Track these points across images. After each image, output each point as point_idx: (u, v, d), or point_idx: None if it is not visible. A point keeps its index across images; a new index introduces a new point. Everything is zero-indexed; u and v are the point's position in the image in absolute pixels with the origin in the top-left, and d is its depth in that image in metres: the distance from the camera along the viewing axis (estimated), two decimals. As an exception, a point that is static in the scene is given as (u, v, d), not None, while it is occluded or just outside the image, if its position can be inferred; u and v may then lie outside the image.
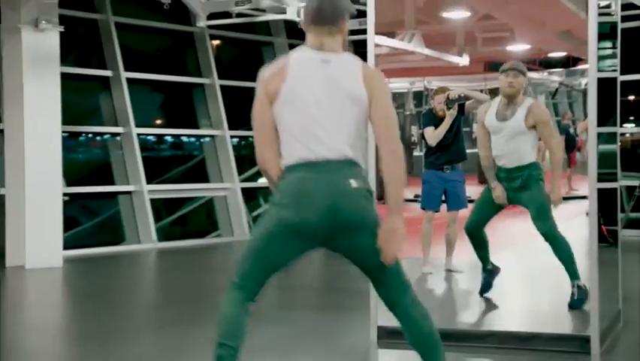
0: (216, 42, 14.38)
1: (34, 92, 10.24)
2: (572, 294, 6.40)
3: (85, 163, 14.02)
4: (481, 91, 9.91)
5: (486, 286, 7.07)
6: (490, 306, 7.16)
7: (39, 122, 10.27)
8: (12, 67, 10.31)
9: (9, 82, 10.39)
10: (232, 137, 14.08)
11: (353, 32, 5.13)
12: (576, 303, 6.37)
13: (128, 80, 12.75)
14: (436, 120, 8.69)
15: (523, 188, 6.63)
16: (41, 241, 10.26)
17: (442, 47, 12.57)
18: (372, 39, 6.27)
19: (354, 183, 3.81)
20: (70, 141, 13.23)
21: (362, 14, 5.98)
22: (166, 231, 13.52)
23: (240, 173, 14.08)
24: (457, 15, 11.79)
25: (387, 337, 6.04)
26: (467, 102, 9.07)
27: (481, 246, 7.05)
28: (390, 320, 6.15)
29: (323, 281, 10.31)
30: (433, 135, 8.59)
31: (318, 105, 3.86)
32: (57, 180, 10.49)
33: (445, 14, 11.84)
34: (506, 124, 6.65)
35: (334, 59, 3.92)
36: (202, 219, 14.37)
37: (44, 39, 10.26)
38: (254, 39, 14.81)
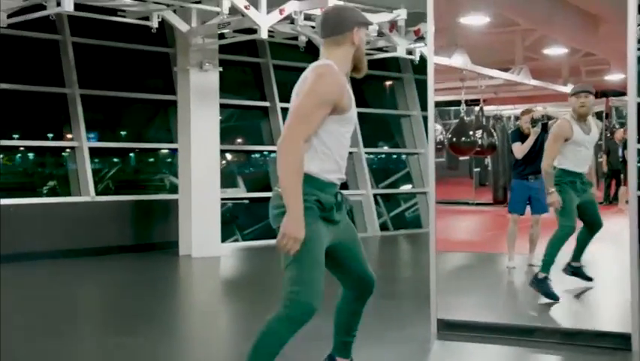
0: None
1: (199, 118, 9.91)
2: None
3: (262, 174, 13.64)
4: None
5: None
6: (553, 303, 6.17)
7: (202, 143, 9.93)
8: (183, 99, 10.03)
9: (181, 111, 10.11)
10: (366, 153, 13.33)
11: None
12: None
13: (282, 109, 12.26)
14: (522, 137, 8.03)
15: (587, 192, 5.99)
16: (204, 235, 9.90)
17: (550, 78, 11.76)
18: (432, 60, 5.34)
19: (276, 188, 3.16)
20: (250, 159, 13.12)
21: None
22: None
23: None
24: (555, 52, 11.06)
25: (447, 329, 5.18)
26: (550, 121, 8.41)
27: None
28: (450, 314, 5.39)
29: (383, 270, 9.33)
30: (520, 150, 8.09)
31: None
32: (216, 186, 10.10)
33: (546, 51, 11.10)
34: (589, 137, 6.01)
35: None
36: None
37: (207, 77, 9.92)
38: (389, 75, 14.02)
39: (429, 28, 5.30)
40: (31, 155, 11.21)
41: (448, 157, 16.82)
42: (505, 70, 10.98)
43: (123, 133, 11.76)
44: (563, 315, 5.80)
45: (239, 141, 12.90)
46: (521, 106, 10.69)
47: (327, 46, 3.27)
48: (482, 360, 4.86)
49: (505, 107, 13.20)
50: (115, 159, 11.67)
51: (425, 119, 10.69)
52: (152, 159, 12.44)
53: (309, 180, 3.09)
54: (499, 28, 10.39)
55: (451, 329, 5.18)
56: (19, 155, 11.14)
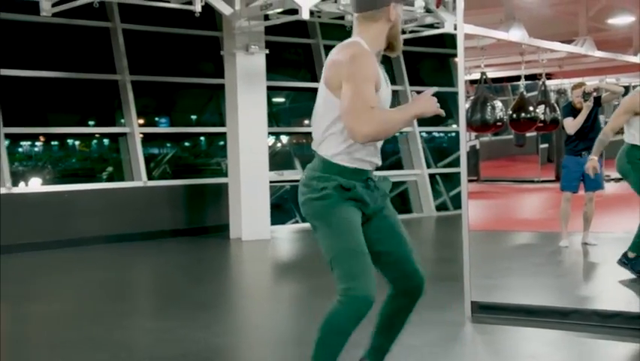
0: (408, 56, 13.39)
1: (246, 101, 9.85)
2: None
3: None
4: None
5: None
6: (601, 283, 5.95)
7: (250, 126, 9.87)
8: (230, 82, 10.00)
9: (229, 94, 10.07)
10: (421, 132, 13.13)
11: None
12: None
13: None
14: (575, 112, 7.71)
15: None
16: (254, 218, 9.89)
17: (619, 48, 11.34)
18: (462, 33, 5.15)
19: (304, 173, 3.07)
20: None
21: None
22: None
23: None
24: (623, 21, 10.70)
25: (480, 311, 5.03)
26: (603, 95, 8.06)
27: None
28: (489, 296, 5.24)
29: (426, 250, 9.17)
30: (572, 125, 7.79)
31: None
32: (264, 169, 10.06)
33: (611, 21, 10.74)
34: None
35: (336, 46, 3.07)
36: (397, 199, 13.50)
37: (253, 60, 9.86)
38: (440, 52, 13.64)
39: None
40: (94, 141, 11.48)
41: (516, 134, 16.43)
42: (568, 42, 10.61)
43: (177, 118, 11.87)
44: (604, 297, 5.56)
45: (301, 122, 12.93)
46: (589, 79, 10.31)
47: (362, 21, 3.09)
48: (513, 344, 4.69)
49: (571, 80, 12.75)
50: (171, 144, 11.81)
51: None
52: (209, 143, 12.54)
53: (329, 166, 3.00)
54: (560, -1, 10.02)
55: (486, 312, 5.03)
56: (95, 141, 11.43)
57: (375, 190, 3.10)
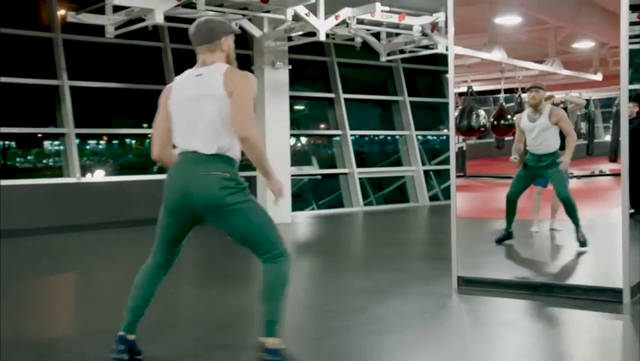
0: (407, 72, 13.41)
1: (272, 110, 9.99)
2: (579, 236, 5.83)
3: (329, 154, 13.63)
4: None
5: (501, 240, 6.41)
6: (562, 260, 6.01)
7: (275, 129, 10.00)
8: (259, 93, 9.93)
9: (257, 102, 9.99)
10: (417, 135, 13.15)
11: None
12: (583, 243, 5.81)
13: (345, 99, 12.23)
14: None
15: (549, 167, 6.09)
16: (277, 205, 9.90)
17: (582, 68, 11.36)
18: (452, 53, 5.21)
19: (204, 169, 3.07)
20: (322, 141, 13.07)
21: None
22: (378, 200, 12.85)
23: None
24: (584, 45, 10.72)
25: (465, 285, 5.10)
26: (569, 106, 8.08)
27: (514, 212, 6.40)
28: (471, 272, 5.29)
29: (419, 234, 9.22)
30: (543, 131, 7.70)
31: (187, 108, 3.14)
32: (287, 164, 10.19)
33: (575, 45, 10.79)
34: (535, 124, 6.17)
35: (206, 71, 3.13)
36: (397, 191, 13.55)
37: (278, 74, 9.97)
38: (434, 69, 13.65)
39: (449, 25, 5.17)
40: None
41: (496, 138, 16.46)
42: (540, 62, 10.67)
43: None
44: (567, 273, 5.63)
45: (318, 126, 13.00)
46: (557, 92, 10.36)
47: (202, 53, 3.18)
48: (492, 311, 4.77)
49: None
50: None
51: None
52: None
53: (235, 164, 3.16)
54: (534, 27, 10.05)
55: (470, 285, 5.11)
56: (148, 140, 11.50)
57: None
